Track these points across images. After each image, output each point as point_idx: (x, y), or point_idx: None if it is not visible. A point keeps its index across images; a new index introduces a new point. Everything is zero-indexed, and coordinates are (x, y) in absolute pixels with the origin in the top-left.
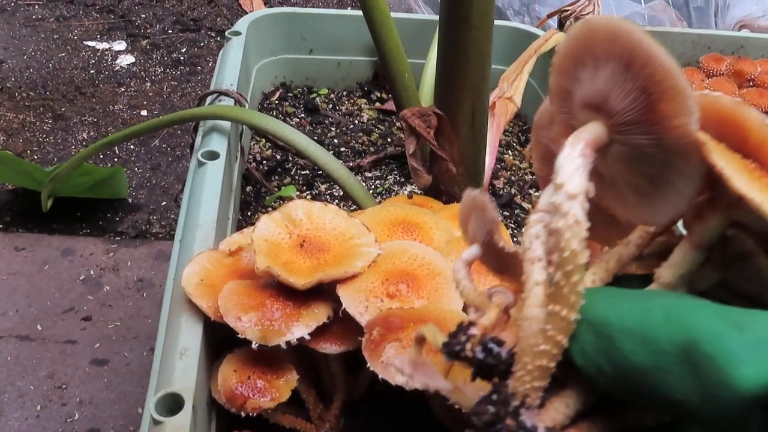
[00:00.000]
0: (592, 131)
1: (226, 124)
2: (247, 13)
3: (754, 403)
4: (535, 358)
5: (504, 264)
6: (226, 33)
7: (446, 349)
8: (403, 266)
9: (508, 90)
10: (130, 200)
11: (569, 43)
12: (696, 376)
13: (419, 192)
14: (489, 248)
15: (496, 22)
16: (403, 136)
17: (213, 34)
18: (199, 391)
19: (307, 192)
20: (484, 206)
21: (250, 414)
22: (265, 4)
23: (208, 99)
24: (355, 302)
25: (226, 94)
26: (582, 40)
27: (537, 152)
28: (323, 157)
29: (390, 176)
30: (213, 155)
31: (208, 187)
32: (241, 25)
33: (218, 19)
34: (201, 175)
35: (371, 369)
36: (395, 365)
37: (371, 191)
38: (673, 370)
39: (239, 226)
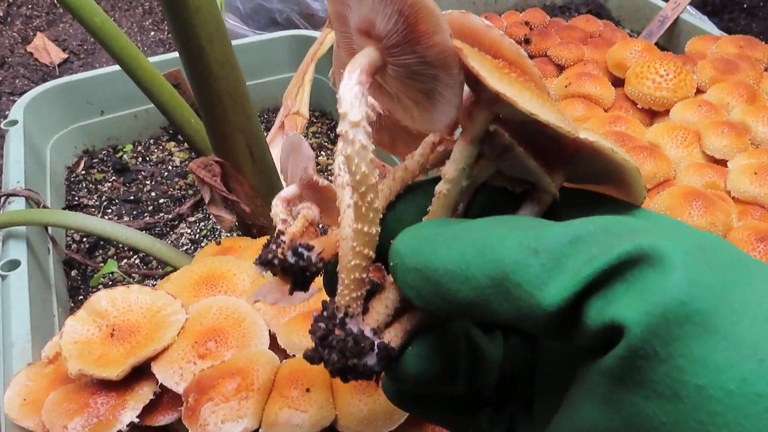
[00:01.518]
0: (366, 56)
1: (22, 227)
2: (46, 65)
3: (559, 314)
4: (350, 273)
5: (323, 198)
6: (2, 125)
7: (260, 259)
8: (210, 323)
9: (293, 105)
10: None
11: None
12: (511, 302)
13: (229, 234)
14: (308, 185)
15: (275, 34)
16: None
17: (16, 98)
18: None
19: (135, 256)
20: (299, 145)
21: None
22: (64, 50)
23: None
24: (170, 374)
25: (13, 194)
26: None
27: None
28: (122, 234)
29: (213, 216)
30: (14, 264)
31: (15, 299)
32: (16, 111)
33: (16, 80)
34: (5, 290)
35: None
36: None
37: (197, 236)
38: (494, 300)
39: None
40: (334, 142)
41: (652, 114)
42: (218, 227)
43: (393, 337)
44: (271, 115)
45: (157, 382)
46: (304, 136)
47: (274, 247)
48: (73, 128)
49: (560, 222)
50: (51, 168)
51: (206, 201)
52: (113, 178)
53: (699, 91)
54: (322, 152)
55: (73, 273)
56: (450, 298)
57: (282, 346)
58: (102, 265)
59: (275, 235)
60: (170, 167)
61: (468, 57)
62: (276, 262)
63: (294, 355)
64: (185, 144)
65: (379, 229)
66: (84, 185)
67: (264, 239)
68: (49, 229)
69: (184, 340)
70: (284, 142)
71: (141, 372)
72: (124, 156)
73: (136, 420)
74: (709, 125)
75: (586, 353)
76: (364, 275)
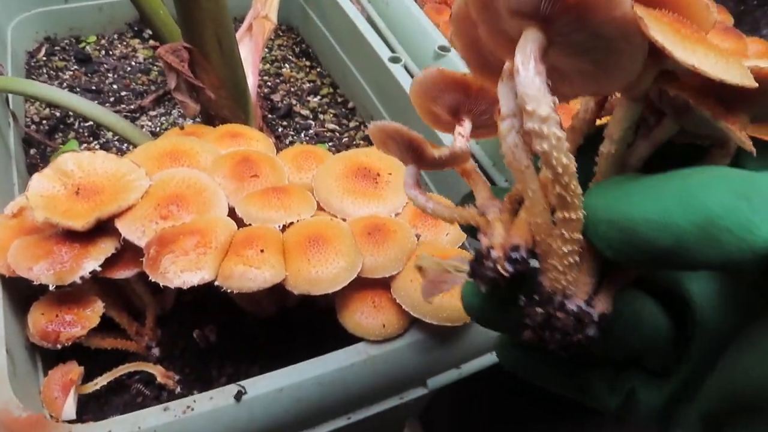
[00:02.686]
0: (533, 41)
1: None
2: None
3: None
4: (563, 258)
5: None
6: None
7: (479, 278)
8: (173, 190)
9: (263, 9)
10: None
11: None
12: (716, 248)
13: (192, 122)
14: (423, 162)
15: None
16: None
17: None
18: (11, 337)
19: (95, 142)
20: (398, 131)
21: (66, 344)
22: None
23: None
24: (132, 229)
25: None
26: None
27: (462, 41)
28: (87, 108)
29: (174, 111)
30: None
31: None
32: None
33: None
34: None
35: (153, 280)
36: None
37: (158, 128)
38: (695, 246)
39: None
40: (298, 56)
41: None
42: (179, 122)
43: (605, 304)
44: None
45: (120, 238)
46: (269, 49)
47: (490, 263)
48: (36, 13)
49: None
50: (12, 51)
51: (172, 87)
52: (75, 67)
53: None
54: (286, 64)
55: (32, 152)
56: (647, 247)
57: (240, 216)
58: (62, 146)
59: (485, 251)
60: (133, 63)
61: (649, 27)
62: (498, 277)
63: (250, 224)
64: (150, 42)
65: (585, 213)
66: (45, 71)
67: (222, 129)
68: (10, 103)
69: (147, 202)
70: (372, 131)
71: (104, 229)
72: (87, 47)
73: (98, 269)
74: None
75: None
76: (577, 258)
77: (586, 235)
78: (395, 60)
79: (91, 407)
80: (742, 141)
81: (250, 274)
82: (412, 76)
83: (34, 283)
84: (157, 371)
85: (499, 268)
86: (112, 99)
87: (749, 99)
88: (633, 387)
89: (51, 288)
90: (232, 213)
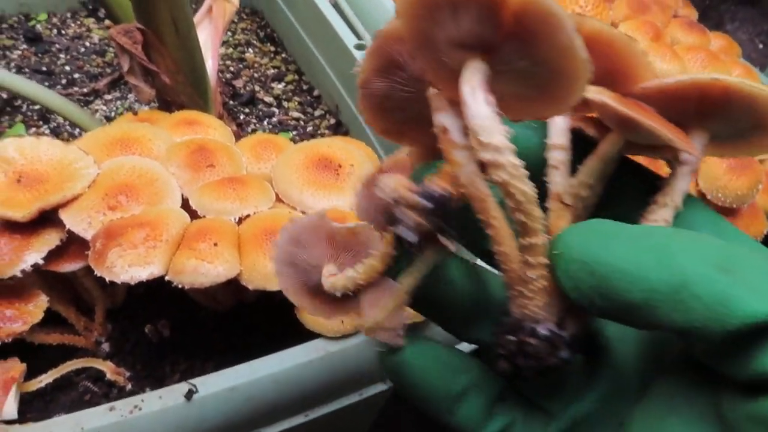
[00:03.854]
0: (478, 72)
1: None
2: None
3: (735, 336)
4: (530, 284)
5: (357, 242)
6: None
7: (506, 362)
8: (123, 180)
9: None
10: None
11: None
12: (683, 313)
13: (148, 107)
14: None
15: None
16: None
17: None
18: None
19: (44, 126)
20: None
21: (6, 341)
22: None
23: None
24: (78, 221)
25: None
26: None
27: (373, 63)
28: (33, 90)
29: (130, 95)
30: None
31: None
32: None
33: None
34: None
35: (99, 275)
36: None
37: (113, 113)
38: (663, 307)
39: None
40: (263, 41)
41: None
42: (135, 107)
43: (576, 324)
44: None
45: (64, 230)
46: (231, 32)
47: (520, 341)
48: None
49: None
50: None
51: (125, 70)
52: (24, 46)
53: (613, 25)
54: (250, 49)
55: None
56: (614, 297)
57: (194, 208)
58: (8, 130)
59: (508, 330)
60: (88, 43)
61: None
62: (525, 350)
63: (204, 216)
64: (105, 21)
65: (558, 250)
66: None
67: (178, 115)
68: None
69: (94, 192)
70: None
71: (48, 220)
72: (38, 26)
73: (41, 262)
74: None
75: (731, 384)
76: (546, 283)
77: (555, 273)
78: (361, 47)
79: (35, 406)
80: (682, 144)
81: (203, 269)
82: None
83: None
84: (107, 367)
85: (535, 344)
86: (63, 81)
87: (708, 114)
88: (512, 420)
89: None
90: (186, 205)
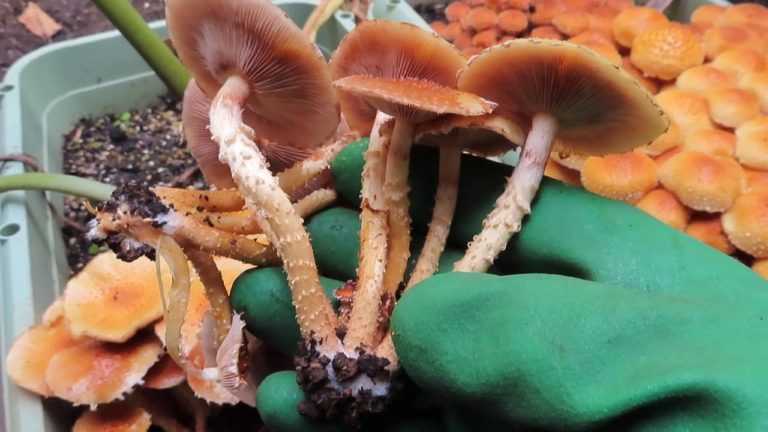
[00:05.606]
0: (228, 85)
1: (21, 191)
2: (39, 36)
3: (595, 427)
4: (304, 303)
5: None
6: None
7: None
8: None
9: None
10: None
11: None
12: (526, 410)
13: None
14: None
15: (274, 1)
16: None
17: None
18: None
19: None
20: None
21: None
22: (57, 21)
23: None
24: None
25: (11, 159)
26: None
27: (193, 129)
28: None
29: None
30: (13, 229)
31: (16, 263)
32: (12, 77)
33: (9, 52)
34: (5, 254)
35: (199, 397)
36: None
37: None
38: (508, 402)
39: None
40: None
41: (659, 83)
42: None
43: (389, 350)
44: None
45: (161, 345)
46: None
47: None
48: (69, 96)
49: (603, 298)
50: (48, 136)
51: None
52: (111, 146)
53: (707, 59)
54: None
55: (72, 241)
56: (456, 392)
57: None
58: None
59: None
60: (168, 137)
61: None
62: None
63: None
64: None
65: (306, 234)
66: (81, 154)
67: None
68: (48, 196)
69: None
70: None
71: (145, 335)
72: (122, 124)
73: (141, 382)
74: (718, 93)
75: None
76: (313, 290)
77: (397, 353)
78: (345, 16)
79: None
80: (426, 105)
81: None
82: None
83: (75, 404)
84: None
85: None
86: (149, 177)
87: (556, 96)
88: None
89: (92, 407)
90: None
